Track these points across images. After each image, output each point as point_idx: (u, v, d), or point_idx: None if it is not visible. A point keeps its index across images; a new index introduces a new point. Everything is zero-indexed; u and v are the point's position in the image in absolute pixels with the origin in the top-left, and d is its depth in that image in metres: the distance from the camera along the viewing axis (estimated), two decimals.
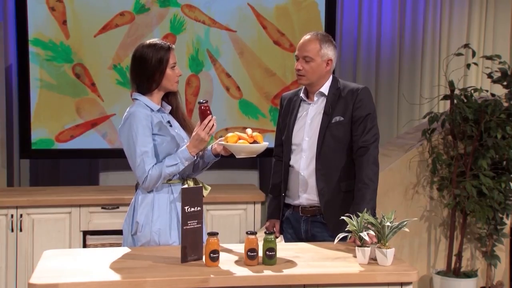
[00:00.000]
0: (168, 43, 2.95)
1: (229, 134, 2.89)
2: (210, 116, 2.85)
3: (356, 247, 2.60)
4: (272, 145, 3.39)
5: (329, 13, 5.12)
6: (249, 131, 2.90)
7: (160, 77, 2.90)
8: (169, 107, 3.02)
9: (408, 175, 4.55)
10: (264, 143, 2.90)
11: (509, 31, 5.78)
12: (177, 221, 2.89)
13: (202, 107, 2.86)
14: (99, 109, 4.92)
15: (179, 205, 2.86)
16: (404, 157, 4.54)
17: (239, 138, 2.87)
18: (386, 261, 2.56)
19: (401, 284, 2.51)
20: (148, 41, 2.95)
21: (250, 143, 2.86)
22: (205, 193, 2.92)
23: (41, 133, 4.86)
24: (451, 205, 4.46)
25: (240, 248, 2.74)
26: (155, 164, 2.85)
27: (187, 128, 3.03)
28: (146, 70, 2.90)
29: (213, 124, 2.85)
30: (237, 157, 2.91)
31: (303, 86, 3.21)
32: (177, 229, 2.89)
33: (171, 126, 2.96)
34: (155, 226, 2.87)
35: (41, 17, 4.80)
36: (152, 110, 2.91)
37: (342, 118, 3.09)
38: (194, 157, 2.88)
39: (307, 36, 3.13)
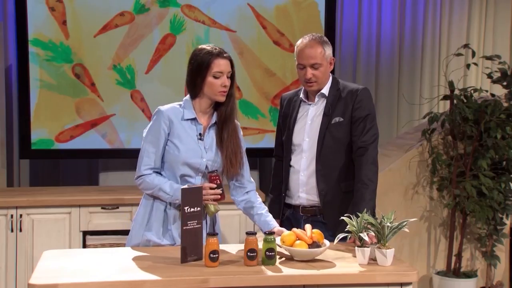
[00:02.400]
0: (219, 50, 2.84)
1: (286, 233, 2.69)
2: (215, 186, 2.81)
3: (356, 248, 2.61)
4: (273, 146, 3.40)
5: (329, 13, 5.11)
6: (308, 228, 2.69)
7: (201, 82, 2.84)
8: (214, 119, 2.92)
9: (408, 175, 4.55)
10: (325, 247, 2.65)
11: (509, 31, 5.78)
12: (169, 223, 2.88)
13: (212, 177, 2.84)
14: (99, 109, 4.92)
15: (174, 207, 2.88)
16: (404, 157, 4.53)
17: (297, 237, 2.65)
18: (386, 262, 2.56)
19: (401, 284, 2.51)
20: (205, 45, 2.88)
21: (309, 244, 2.62)
22: (210, 213, 2.89)
23: (41, 133, 4.85)
24: (451, 205, 4.46)
25: (240, 248, 2.74)
26: (157, 172, 2.86)
27: (222, 147, 2.89)
28: (190, 73, 2.87)
29: (216, 195, 2.80)
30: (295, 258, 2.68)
31: (303, 87, 3.21)
32: (169, 231, 2.88)
33: (200, 139, 2.88)
34: (148, 230, 2.88)
35: (41, 17, 4.80)
36: (183, 117, 2.86)
37: (341, 119, 3.09)
38: None
39: (306, 41, 3.09)
